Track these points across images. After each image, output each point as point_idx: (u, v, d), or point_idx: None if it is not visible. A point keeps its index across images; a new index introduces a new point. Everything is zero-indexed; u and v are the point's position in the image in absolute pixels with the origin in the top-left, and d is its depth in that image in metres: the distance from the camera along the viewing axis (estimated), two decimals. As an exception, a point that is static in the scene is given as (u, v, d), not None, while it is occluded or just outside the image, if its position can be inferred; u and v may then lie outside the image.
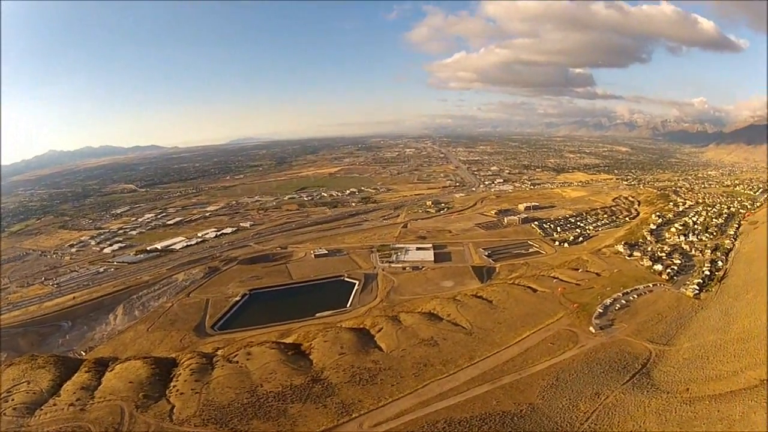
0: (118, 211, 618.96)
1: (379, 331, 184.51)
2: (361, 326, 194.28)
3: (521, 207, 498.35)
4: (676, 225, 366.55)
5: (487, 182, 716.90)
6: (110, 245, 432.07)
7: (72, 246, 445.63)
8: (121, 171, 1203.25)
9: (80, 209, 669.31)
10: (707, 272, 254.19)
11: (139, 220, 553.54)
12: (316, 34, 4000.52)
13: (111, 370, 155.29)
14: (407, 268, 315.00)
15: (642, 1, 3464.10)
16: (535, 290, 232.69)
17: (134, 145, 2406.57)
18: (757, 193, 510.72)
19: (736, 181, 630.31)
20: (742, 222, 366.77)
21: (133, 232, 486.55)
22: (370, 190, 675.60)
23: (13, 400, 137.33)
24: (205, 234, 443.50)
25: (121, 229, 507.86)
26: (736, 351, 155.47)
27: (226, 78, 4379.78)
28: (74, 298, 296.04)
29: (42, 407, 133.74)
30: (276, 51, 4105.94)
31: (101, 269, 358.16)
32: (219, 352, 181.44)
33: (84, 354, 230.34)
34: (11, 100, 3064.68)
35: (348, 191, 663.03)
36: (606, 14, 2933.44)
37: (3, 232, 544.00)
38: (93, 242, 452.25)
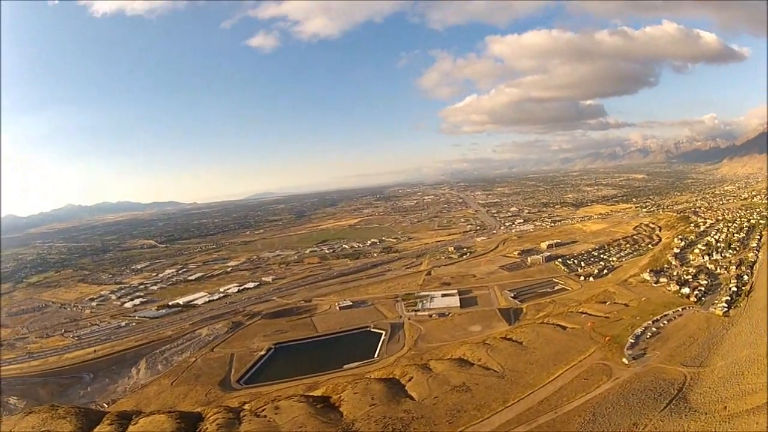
0: (139, 267, 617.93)
1: (410, 380, 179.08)
2: (391, 376, 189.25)
3: (543, 245, 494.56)
4: (699, 246, 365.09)
5: (507, 223, 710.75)
6: (131, 300, 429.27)
7: (92, 300, 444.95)
8: (140, 227, 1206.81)
9: (100, 263, 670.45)
10: (734, 288, 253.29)
11: (160, 275, 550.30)
12: (329, 86, 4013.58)
13: (134, 424, 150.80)
14: (433, 316, 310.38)
15: (644, 23, 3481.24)
16: (564, 327, 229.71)
17: (152, 201, 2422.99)
18: None
19: (753, 193, 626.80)
20: (762, 233, 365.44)
21: (154, 288, 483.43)
22: (391, 239, 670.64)
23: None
24: (227, 289, 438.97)
25: (141, 284, 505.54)
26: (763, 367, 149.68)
27: (242, 134, 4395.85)
28: (95, 351, 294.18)
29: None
30: (290, 104, 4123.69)
31: (122, 323, 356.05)
32: (246, 407, 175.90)
33: (106, 406, 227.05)
34: (31, 152, 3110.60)
35: (369, 242, 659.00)
36: (611, 42, 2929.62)
37: (21, 283, 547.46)
38: (113, 296, 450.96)
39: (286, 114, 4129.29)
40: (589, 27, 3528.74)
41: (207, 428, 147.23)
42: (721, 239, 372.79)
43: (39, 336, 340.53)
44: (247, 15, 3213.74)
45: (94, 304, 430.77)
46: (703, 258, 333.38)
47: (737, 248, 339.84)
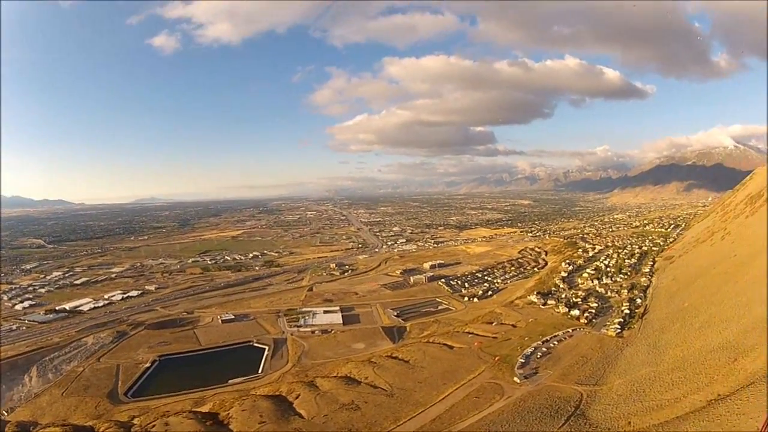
0: (28, 267, 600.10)
1: (297, 397, 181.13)
2: (278, 393, 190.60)
3: (426, 266, 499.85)
4: (588, 270, 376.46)
5: (389, 243, 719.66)
6: (21, 302, 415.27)
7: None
8: (31, 224, 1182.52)
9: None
10: (627, 311, 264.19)
11: (48, 277, 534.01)
12: (222, 93, 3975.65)
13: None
14: (316, 332, 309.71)
15: (547, 56, 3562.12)
16: (451, 347, 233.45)
17: (43, 198, 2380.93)
18: (669, 230, 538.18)
19: (645, 221, 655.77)
20: (656, 259, 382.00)
21: (42, 290, 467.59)
22: (273, 253, 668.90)
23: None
24: (112, 296, 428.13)
25: (30, 285, 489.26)
26: (673, 380, 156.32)
27: (133, 134, 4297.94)
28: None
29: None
30: (182, 109, 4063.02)
31: (14, 327, 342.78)
32: (136, 421, 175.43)
33: (6, 414, 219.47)
34: None
35: (251, 254, 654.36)
36: (509, 72, 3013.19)
37: None
38: (5, 297, 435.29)
39: (178, 118, 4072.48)
40: (489, 56, 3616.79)
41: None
42: (611, 264, 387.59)
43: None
44: (154, 13, 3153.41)
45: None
46: (593, 282, 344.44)
47: (628, 273, 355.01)
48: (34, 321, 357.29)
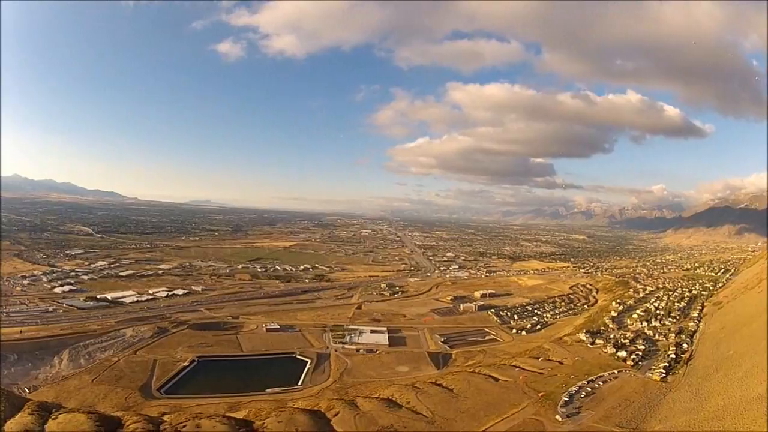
0: (73, 252, 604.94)
1: (336, 415, 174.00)
2: (316, 408, 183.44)
3: (477, 294, 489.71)
4: (638, 311, 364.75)
5: (442, 268, 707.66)
6: (61, 286, 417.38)
7: (24, 278, 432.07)
8: (80, 212, 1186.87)
9: (36, 242, 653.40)
10: (673, 355, 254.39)
11: (92, 265, 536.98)
12: (283, 104, 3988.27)
13: (54, 419, 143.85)
14: (361, 351, 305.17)
15: (609, 90, 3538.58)
16: (496, 379, 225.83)
17: (95, 189, 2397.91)
18: (719, 274, 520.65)
19: (696, 264, 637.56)
20: (705, 303, 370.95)
21: (85, 277, 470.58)
22: (324, 267, 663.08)
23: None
24: (157, 292, 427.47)
25: (73, 271, 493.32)
26: (712, 429, 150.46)
27: (191, 137, 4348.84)
28: (21, 331, 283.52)
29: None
30: (242, 116, 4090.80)
31: (50, 308, 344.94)
32: (166, 418, 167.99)
33: (27, 391, 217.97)
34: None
35: (302, 267, 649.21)
36: (572, 104, 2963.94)
37: None
38: (45, 278, 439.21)
39: (237, 125, 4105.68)
40: (553, 87, 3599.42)
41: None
42: (660, 307, 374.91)
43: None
44: (219, 19, 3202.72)
45: (25, 282, 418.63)
46: (642, 323, 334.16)
47: (677, 317, 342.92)
48: (72, 306, 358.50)
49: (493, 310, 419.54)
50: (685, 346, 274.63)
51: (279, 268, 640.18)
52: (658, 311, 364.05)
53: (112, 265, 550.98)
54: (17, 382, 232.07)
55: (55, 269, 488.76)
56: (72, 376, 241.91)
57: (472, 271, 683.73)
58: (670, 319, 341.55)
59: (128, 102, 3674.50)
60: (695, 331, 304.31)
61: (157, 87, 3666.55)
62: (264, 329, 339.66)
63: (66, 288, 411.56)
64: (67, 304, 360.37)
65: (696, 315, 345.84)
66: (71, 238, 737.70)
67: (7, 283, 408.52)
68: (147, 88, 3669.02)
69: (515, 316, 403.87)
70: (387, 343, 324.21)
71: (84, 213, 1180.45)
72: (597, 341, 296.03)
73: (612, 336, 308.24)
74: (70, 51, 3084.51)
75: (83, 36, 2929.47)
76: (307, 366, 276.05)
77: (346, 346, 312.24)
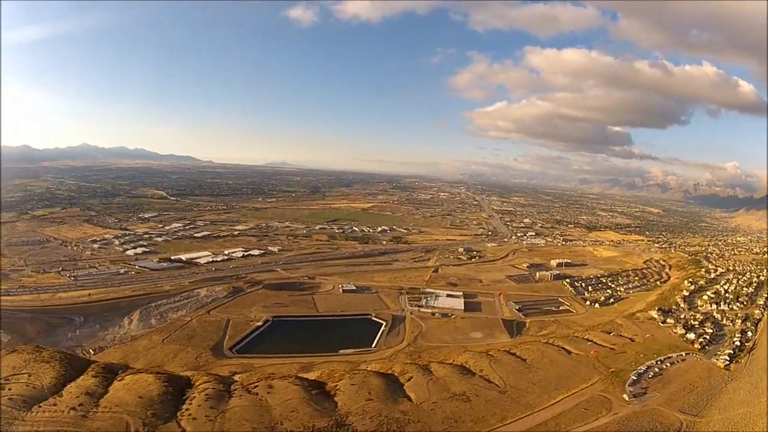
0: (146, 216, 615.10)
1: (409, 379, 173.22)
2: (390, 371, 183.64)
3: (553, 263, 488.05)
4: (708, 293, 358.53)
5: (519, 234, 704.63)
6: (134, 248, 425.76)
7: (95, 242, 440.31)
8: (154, 176, 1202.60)
9: (107, 207, 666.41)
10: (738, 342, 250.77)
11: (166, 227, 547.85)
12: (359, 68, 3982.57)
13: (120, 380, 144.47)
14: (436, 314, 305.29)
15: (685, 62, 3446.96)
16: (569, 352, 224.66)
17: (169, 153, 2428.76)
18: None
19: (765, 249, 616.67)
20: None
21: (159, 239, 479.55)
22: (402, 229, 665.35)
23: (10, 389, 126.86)
24: (232, 252, 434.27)
25: (146, 233, 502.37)
26: (763, 428, 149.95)
27: (268, 102, 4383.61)
28: (90, 294, 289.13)
29: (41, 404, 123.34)
30: (317, 80, 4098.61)
31: (121, 270, 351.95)
32: (237, 378, 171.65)
33: (92, 353, 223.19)
34: (50, 87, 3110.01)
35: (380, 228, 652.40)
36: (649, 73, 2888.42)
37: (26, 215, 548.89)
38: (116, 242, 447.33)
39: (312, 89, 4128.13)
40: (629, 54, 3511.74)
41: (195, 396, 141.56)
42: (730, 290, 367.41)
43: (35, 270, 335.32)
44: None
45: (95, 246, 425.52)
46: (711, 306, 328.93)
47: (745, 302, 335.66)
48: (145, 267, 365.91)
49: (568, 280, 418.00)
50: (749, 334, 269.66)
51: (356, 229, 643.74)
52: (727, 294, 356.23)
53: (186, 227, 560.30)
54: (82, 344, 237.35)
55: (127, 232, 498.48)
56: (141, 336, 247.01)
57: (548, 239, 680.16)
58: (738, 303, 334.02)
59: (203, 69, 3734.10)
60: (759, 320, 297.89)
61: (231, 53, 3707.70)
62: (340, 290, 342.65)
63: (139, 250, 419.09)
64: (139, 266, 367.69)
65: (762, 303, 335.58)
66: (144, 202, 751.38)
67: (76, 247, 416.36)
68: (222, 55, 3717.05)
69: (589, 288, 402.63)
70: (462, 307, 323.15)
71: (158, 177, 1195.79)
72: (668, 320, 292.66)
73: (682, 316, 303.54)
74: (144, 21, 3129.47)
75: (155, 7, 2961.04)
76: (382, 328, 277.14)
77: (421, 310, 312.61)
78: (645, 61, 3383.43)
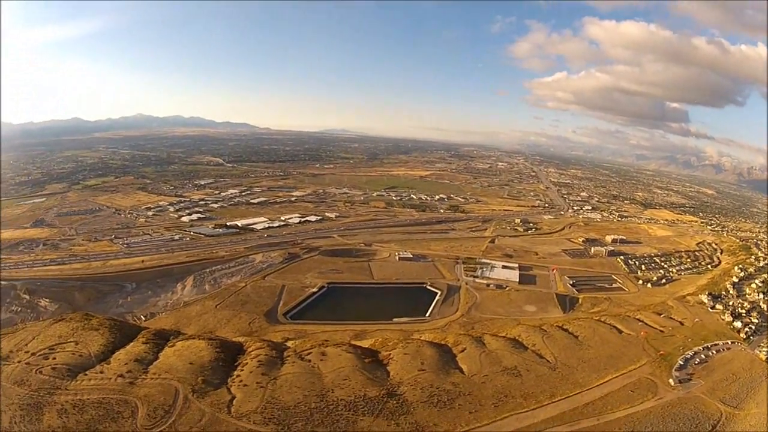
0: (202, 182, 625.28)
1: (462, 351, 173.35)
2: (443, 342, 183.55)
3: (608, 239, 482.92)
4: (757, 281, 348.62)
5: (575, 207, 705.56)
6: (189, 214, 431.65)
7: (149, 209, 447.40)
8: (210, 144, 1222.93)
9: (162, 174, 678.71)
10: None
11: (222, 194, 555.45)
12: (418, 37, 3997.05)
13: (171, 346, 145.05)
14: (491, 286, 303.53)
15: (741, 41, 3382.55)
16: (620, 331, 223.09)
17: (225, 121, 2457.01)
18: None
19: None
20: None
21: (215, 205, 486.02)
22: (459, 198, 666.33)
23: (54, 359, 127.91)
24: (289, 219, 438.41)
25: (202, 200, 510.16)
26: None
27: (326, 70, 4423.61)
28: (143, 261, 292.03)
29: (86, 372, 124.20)
30: (376, 49, 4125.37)
31: (176, 237, 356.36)
32: (290, 344, 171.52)
33: (143, 319, 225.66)
34: (105, 59, 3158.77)
35: (437, 197, 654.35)
36: (707, 50, 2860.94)
37: (77, 185, 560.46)
38: (171, 208, 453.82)
39: (370, 57, 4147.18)
40: (687, 30, 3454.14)
41: (247, 363, 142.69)
42: None
43: (87, 239, 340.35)
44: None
45: (150, 213, 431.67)
46: (759, 295, 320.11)
47: None
48: (200, 233, 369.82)
49: (622, 258, 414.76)
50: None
51: (414, 197, 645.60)
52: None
53: (243, 193, 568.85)
54: (132, 310, 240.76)
55: (182, 199, 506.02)
56: (194, 302, 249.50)
57: (604, 214, 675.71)
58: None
59: (261, 37, 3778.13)
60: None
61: (291, 22, 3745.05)
62: (396, 258, 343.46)
63: (194, 216, 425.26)
64: (194, 232, 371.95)
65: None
66: (200, 169, 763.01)
67: (129, 215, 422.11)
68: (279, 23, 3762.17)
69: (642, 267, 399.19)
70: (517, 280, 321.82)
71: (214, 144, 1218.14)
72: (717, 306, 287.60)
73: (731, 303, 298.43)
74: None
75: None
76: (437, 297, 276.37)
77: (476, 280, 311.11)
78: (702, 37, 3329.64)
